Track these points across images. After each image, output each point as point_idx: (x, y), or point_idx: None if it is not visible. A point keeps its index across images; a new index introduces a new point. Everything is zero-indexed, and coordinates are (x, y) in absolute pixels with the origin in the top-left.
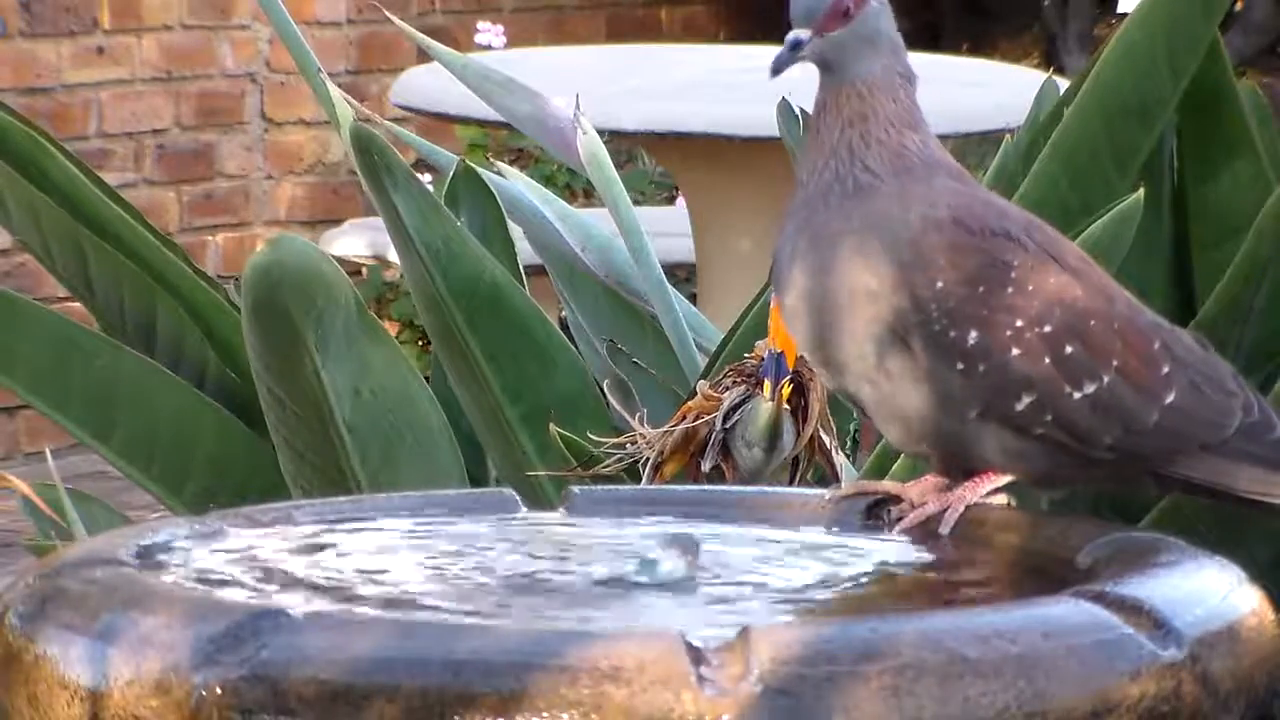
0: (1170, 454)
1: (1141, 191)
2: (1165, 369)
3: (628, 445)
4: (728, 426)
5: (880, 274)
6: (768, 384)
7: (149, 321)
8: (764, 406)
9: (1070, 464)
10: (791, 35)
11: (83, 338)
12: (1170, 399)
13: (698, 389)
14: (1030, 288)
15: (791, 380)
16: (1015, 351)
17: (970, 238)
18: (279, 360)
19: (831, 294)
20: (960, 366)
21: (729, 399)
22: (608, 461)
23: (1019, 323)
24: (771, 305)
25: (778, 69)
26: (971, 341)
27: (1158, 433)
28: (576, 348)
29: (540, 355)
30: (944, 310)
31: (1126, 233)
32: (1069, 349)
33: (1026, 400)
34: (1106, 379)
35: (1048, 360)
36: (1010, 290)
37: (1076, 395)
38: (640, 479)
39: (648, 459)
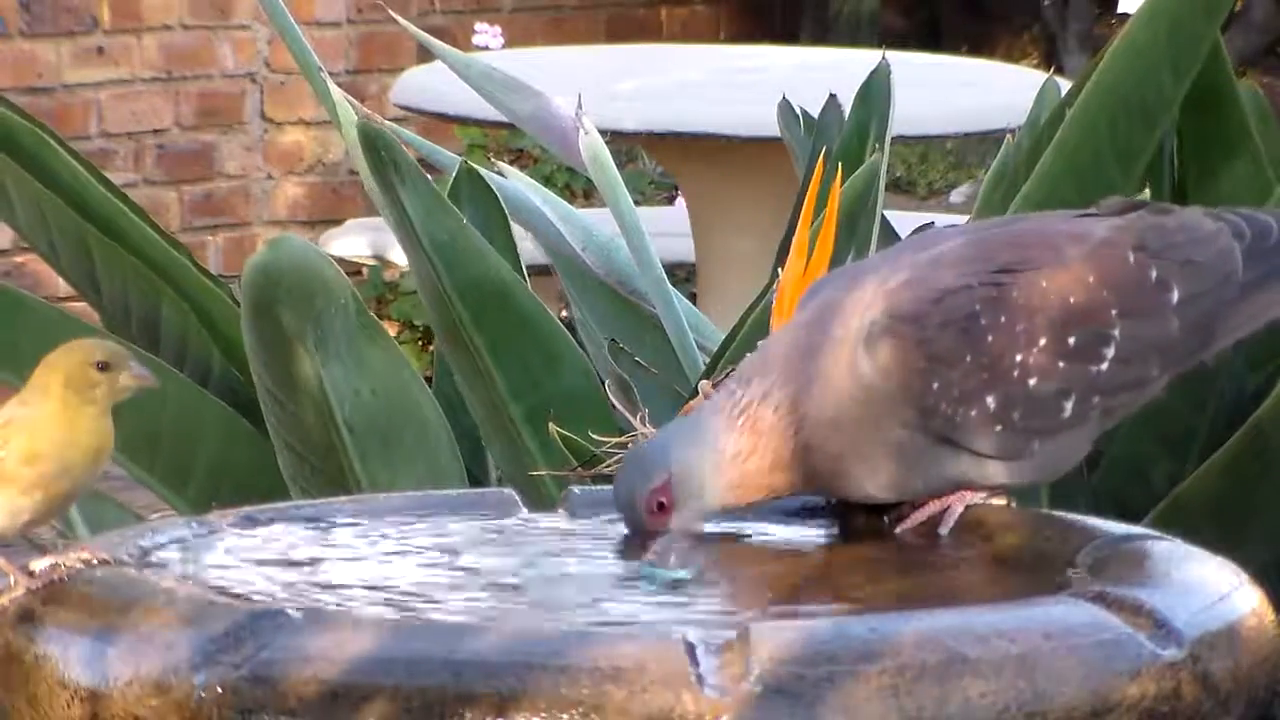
0: (1204, 337)
1: (1148, 193)
2: (1153, 273)
3: (630, 445)
4: None
5: (884, 414)
6: None
7: (153, 319)
8: None
9: (1124, 411)
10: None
11: (87, 335)
12: (1175, 297)
13: (700, 389)
14: (1005, 319)
15: None
16: (1033, 380)
17: (921, 327)
18: (278, 361)
19: (853, 451)
20: (998, 428)
21: None
22: (610, 461)
23: (1019, 356)
24: (773, 303)
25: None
26: (993, 404)
27: (1185, 332)
28: (583, 347)
29: (545, 352)
30: (954, 400)
31: None
32: (1073, 339)
33: (1069, 405)
34: (1117, 331)
35: (1062, 364)
36: (991, 337)
37: (1104, 366)
38: None
39: None
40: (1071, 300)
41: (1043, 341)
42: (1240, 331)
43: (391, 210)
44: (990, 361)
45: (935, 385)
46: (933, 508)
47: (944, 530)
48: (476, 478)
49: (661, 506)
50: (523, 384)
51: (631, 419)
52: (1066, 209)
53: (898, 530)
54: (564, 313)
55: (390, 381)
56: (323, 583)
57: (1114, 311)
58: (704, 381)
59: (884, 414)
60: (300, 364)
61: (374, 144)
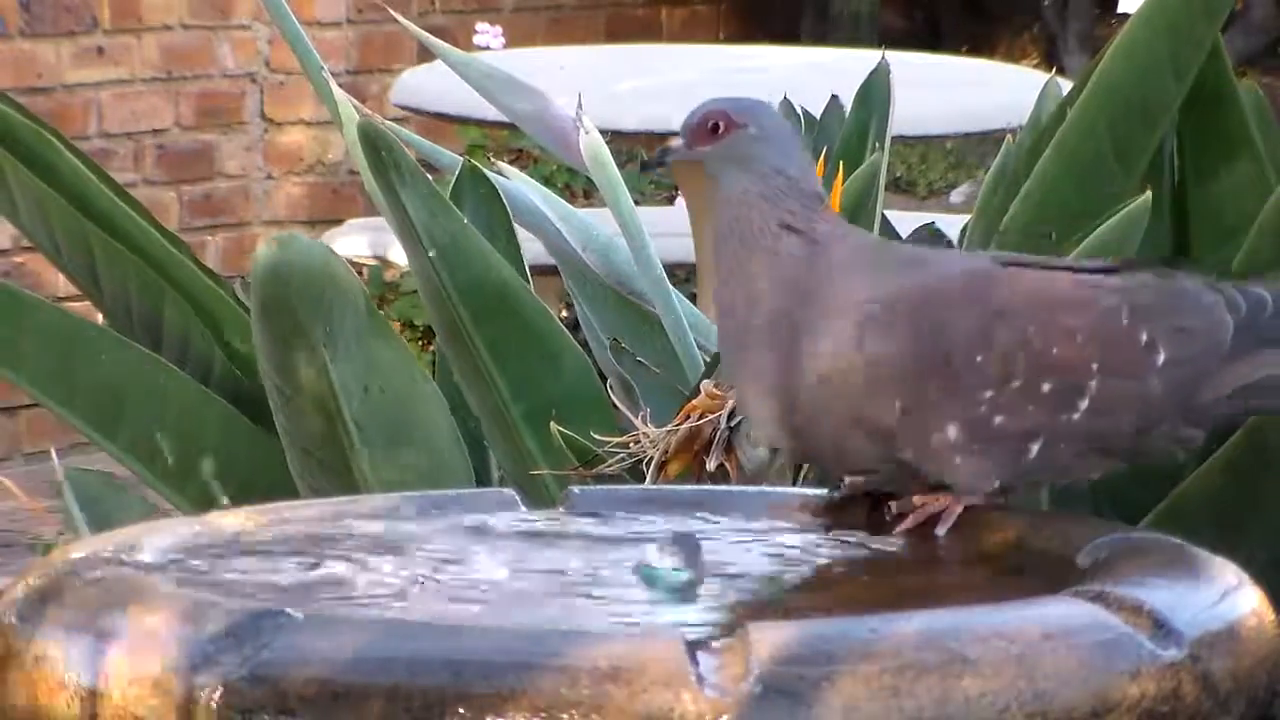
0: (1187, 400)
1: (1149, 194)
2: (1144, 335)
3: (631, 445)
4: (732, 425)
5: (866, 408)
6: None
7: (156, 318)
8: None
9: (1100, 459)
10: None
11: (89, 333)
12: (1161, 359)
13: (701, 388)
14: (990, 351)
15: None
16: (1001, 417)
17: (917, 328)
18: (287, 357)
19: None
20: (961, 453)
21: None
22: (611, 461)
23: (998, 391)
24: None
25: (644, 168)
26: (959, 430)
27: (1167, 392)
28: (586, 348)
29: (546, 352)
30: (932, 416)
31: (1135, 234)
32: (1051, 385)
33: (1034, 447)
34: (1094, 384)
35: (1033, 407)
36: (977, 367)
37: (1076, 415)
38: (644, 478)
39: (651, 458)
40: (1056, 349)
41: (1020, 382)
42: (1220, 407)
43: (392, 211)
44: (979, 393)
45: (912, 397)
46: (931, 508)
47: (941, 530)
48: (483, 476)
49: (715, 130)
50: (523, 384)
51: (633, 419)
52: (1066, 209)
53: (896, 531)
54: (564, 312)
55: (398, 379)
56: (323, 582)
57: (1095, 365)
58: (705, 381)
59: (867, 408)
60: (309, 361)
61: (375, 144)
